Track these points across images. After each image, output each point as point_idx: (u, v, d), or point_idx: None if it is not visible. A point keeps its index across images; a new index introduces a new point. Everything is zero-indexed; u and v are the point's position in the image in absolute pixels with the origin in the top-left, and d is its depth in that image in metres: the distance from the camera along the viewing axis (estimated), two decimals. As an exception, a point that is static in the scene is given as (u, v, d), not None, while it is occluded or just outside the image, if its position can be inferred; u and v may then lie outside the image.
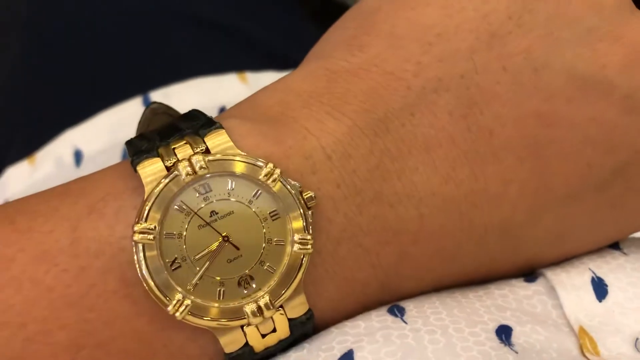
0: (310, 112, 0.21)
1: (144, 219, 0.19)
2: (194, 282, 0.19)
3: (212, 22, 0.42)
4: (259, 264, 0.20)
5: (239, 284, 0.19)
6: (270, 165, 0.20)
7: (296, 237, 0.20)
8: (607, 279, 0.22)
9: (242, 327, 0.19)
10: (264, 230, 0.20)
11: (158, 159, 0.20)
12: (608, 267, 0.23)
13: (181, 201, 0.19)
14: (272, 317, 0.20)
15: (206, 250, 0.19)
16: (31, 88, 0.41)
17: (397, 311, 0.22)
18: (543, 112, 0.21)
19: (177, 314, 0.19)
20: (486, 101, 0.21)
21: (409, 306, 0.22)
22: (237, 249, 0.19)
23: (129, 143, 0.20)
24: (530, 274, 0.24)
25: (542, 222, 0.22)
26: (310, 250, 0.20)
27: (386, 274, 0.21)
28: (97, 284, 0.19)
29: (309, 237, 0.20)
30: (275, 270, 0.20)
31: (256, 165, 0.20)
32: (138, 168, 0.19)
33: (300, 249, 0.20)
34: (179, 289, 0.19)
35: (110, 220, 0.19)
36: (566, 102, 0.21)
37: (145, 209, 0.19)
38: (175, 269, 0.19)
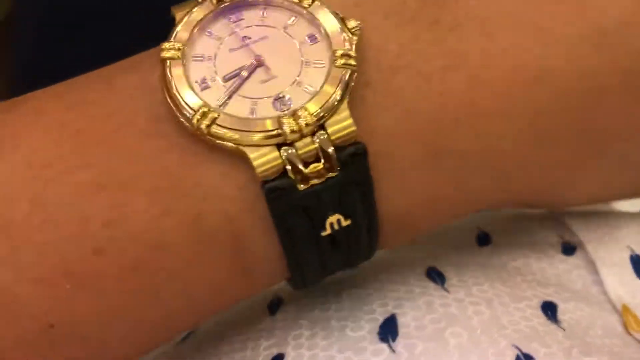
0: None
1: (172, 39, 0.18)
2: (223, 99, 0.17)
3: None
4: (296, 84, 0.17)
5: (274, 104, 0.17)
6: None
7: (338, 52, 0.17)
8: None
9: (278, 148, 0.17)
10: (301, 52, 0.18)
11: (193, 2, 0.19)
12: None
13: (211, 27, 0.18)
14: (313, 140, 0.17)
15: (237, 70, 0.17)
16: (48, 75, 0.42)
17: (437, 277, 0.21)
18: None
19: (202, 125, 0.17)
20: None
21: (450, 273, 0.21)
22: (269, 69, 0.17)
23: None
24: (569, 246, 0.23)
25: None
26: (355, 66, 0.17)
27: (458, 106, 0.18)
28: (127, 124, 0.17)
29: (353, 52, 0.17)
30: (313, 90, 0.17)
31: None
32: (172, 8, 0.19)
33: (344, 64, 0.17)
34: (208, 105, 0.17)
35: (145, 72, 0.18)
36: None
37: (174, 31, 0.18)
38: (204, 89, 0.17)
